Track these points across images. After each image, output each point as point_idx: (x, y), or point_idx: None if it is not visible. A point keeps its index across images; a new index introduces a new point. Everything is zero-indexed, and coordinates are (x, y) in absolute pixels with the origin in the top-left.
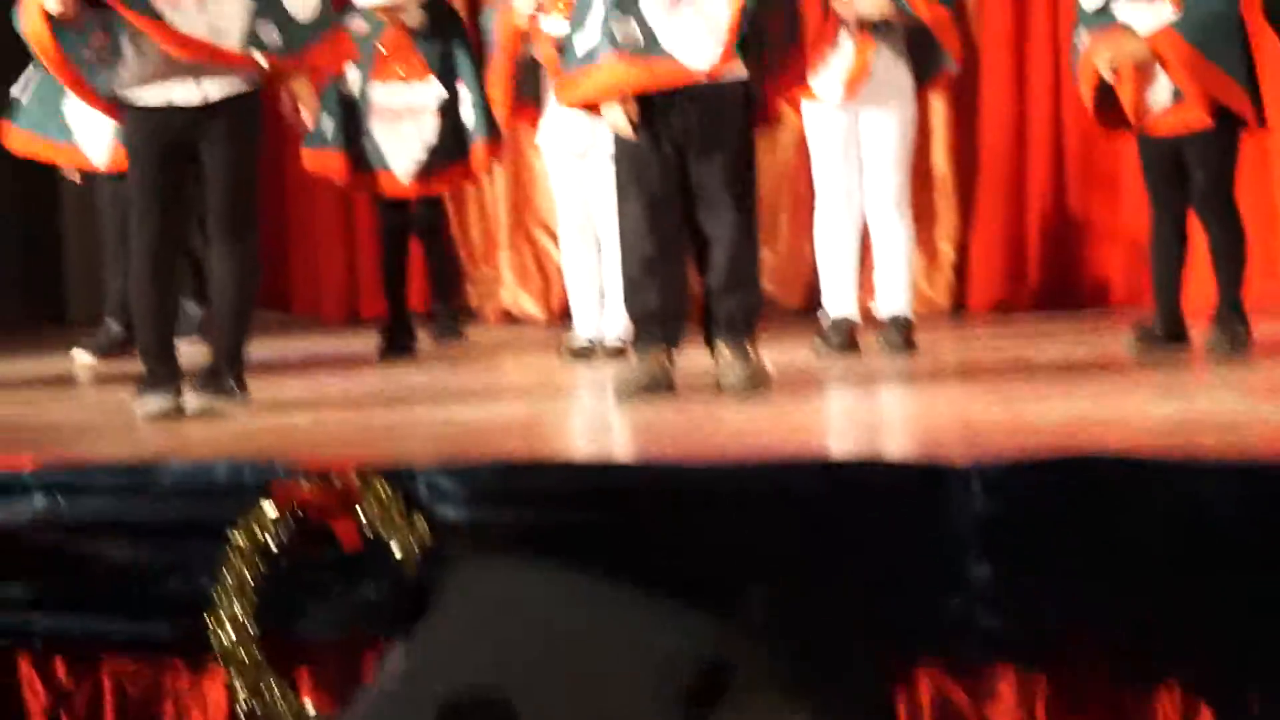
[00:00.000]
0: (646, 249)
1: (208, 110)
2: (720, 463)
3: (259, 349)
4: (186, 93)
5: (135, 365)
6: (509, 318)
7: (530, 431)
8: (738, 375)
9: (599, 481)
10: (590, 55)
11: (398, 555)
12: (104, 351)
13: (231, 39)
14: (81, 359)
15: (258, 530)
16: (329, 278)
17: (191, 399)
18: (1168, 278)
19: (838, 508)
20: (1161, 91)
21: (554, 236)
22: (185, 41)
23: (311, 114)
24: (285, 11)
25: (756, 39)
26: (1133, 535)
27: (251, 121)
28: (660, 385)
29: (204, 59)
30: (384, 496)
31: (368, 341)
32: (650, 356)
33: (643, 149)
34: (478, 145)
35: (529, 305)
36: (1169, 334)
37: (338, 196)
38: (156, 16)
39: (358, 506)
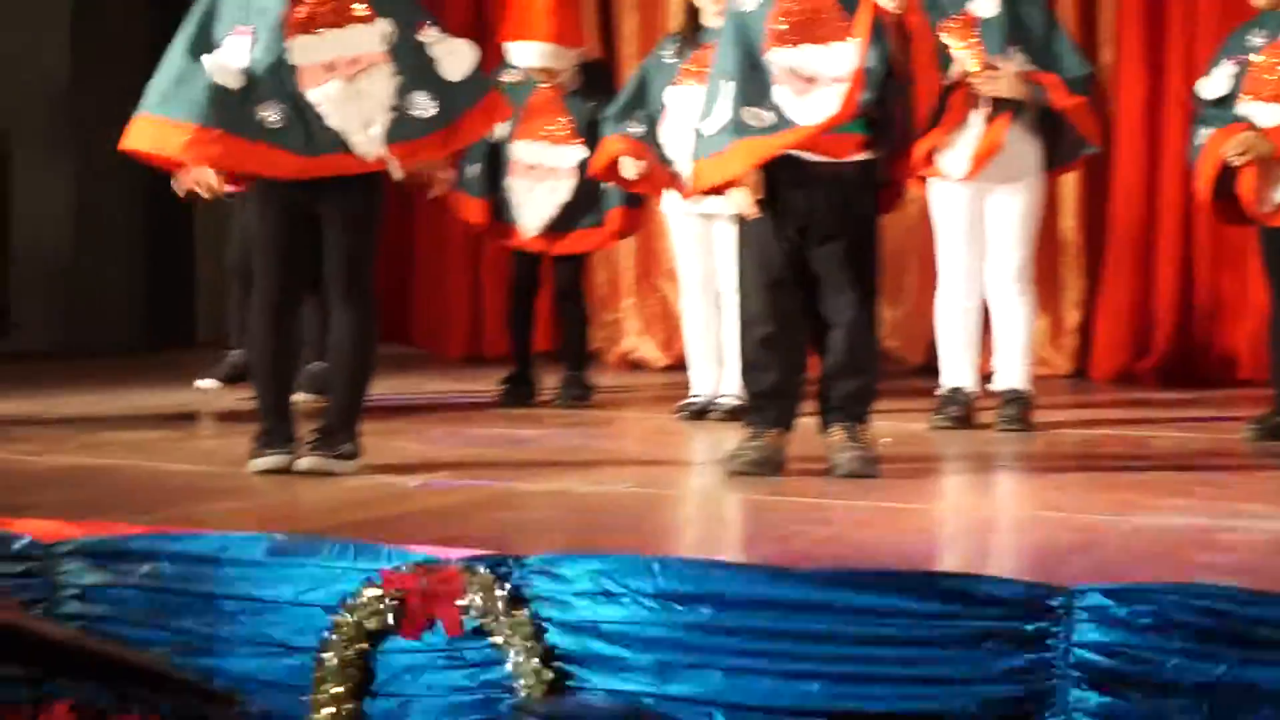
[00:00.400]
0: (765, 330)
1: (328, 178)
2: (822, 570)
3: (381, 386)
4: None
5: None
6: (630, 363)
7: (641, 513)
8: (849, 460)
9: (700, 581)
10: (719, 144)
11: (498, 644)
12: (228, 379)
13: (378, 126)
14: (206, 385)
15: (360, 612)
16: (454, 314)
17: (305, 458)
18: None
19: (939, 623)
20: None
21: (677, 286)
22: (303, 165)
23: (440, 193)
24: (439, 77)
25: (883, 120)
26: (1239, 669)
27: (373, 188)
28: (771, 465)
29: (329, 172)
30: (487, 586)
31: (487, 383)
32: (763, 435)
33: (766, 231)
34: (615, 212)
35: (650, 351)
36: None
37: (466, 233)
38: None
39: (462, 593)
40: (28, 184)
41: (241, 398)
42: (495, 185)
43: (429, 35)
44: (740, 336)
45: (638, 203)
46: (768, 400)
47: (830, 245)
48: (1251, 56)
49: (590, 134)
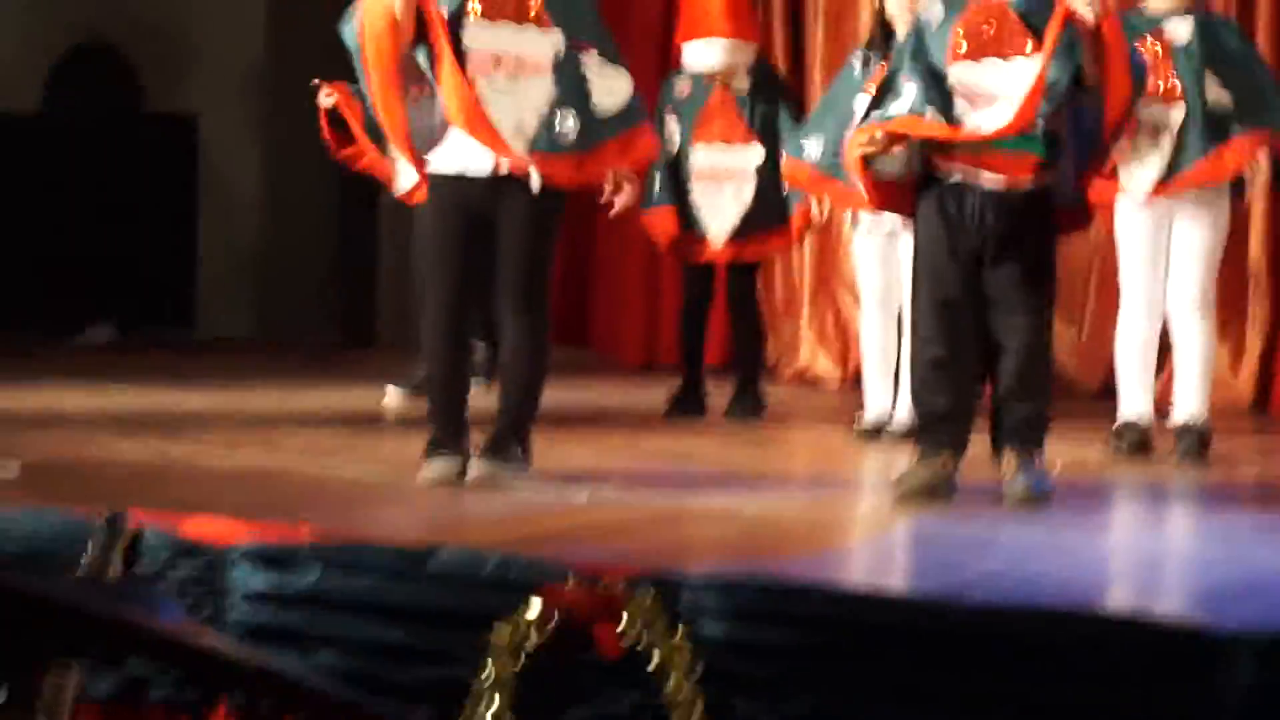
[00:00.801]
0: (937, 351)
1: (503, 181)
2: (985, 605)
3: (553, 390)
4: (480, 163)
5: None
6: (804, 378)
7: (808, 536)
8: (1021, 487)
9: (862, 613)
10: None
11: (655, 665)
12: (416, 389)
13: (527, 131)
14: (392, 397)
15: (520, 629)
16: (630, 320)
17: (474, 466)
18: None
19: (1101, 663)
20: None
21: (856, 300)
22: (478, 128)
23: (623, 210)
24: (589, 102)
25: (1064, 137)
26: None
27: (550, 198)
28: (941, 491)
29: (487, 145)
30: (648, 607)
31: (660, 393)
32: (933, 459)
33: (940, 250)
34: (799, 213)
35: (825, 367)
36: None
37: (645, 239)
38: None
39: (622, 614)
40: (219, 172)
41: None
42: (680, 194)
43: (590, 60)
44: (911, 357)
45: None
46: (938, 423)
47: (1005, 267)
48: None
49: (767, 134)
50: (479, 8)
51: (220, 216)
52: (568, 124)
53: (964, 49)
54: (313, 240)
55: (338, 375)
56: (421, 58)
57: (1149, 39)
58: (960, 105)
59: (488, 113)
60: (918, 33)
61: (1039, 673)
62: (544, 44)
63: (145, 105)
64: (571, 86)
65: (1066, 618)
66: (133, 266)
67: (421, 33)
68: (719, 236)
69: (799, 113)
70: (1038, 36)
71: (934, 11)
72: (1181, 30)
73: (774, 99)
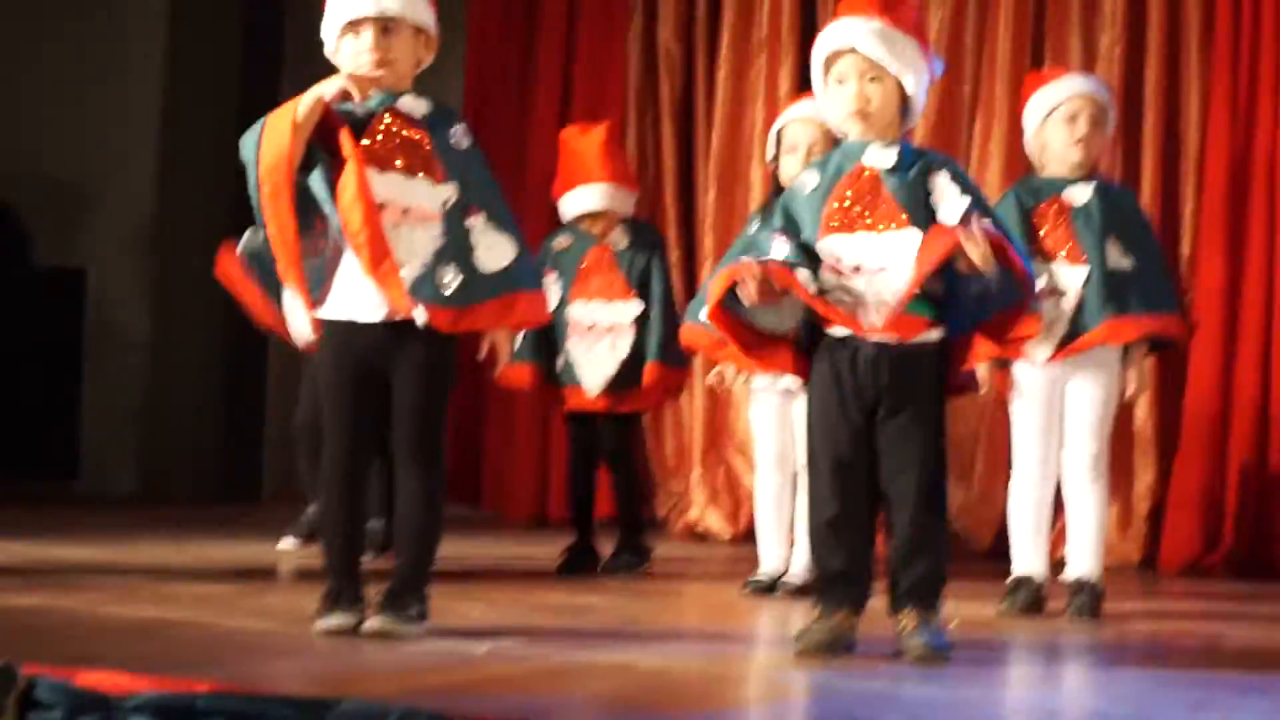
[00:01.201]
0: (833, 511)
1: (395, 331)
2: None
3: (447, 545)
4: (371, 309)
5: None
6: (694, 534)
7: (706, 691)
8: (919, 644)
9: None
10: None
11: None
12: (308, 537)
13: (409, 273)
14: (286, 545)
15: None
16: (520, 476)
17: (371, 620)
18: None
19: None
20: None
21: (747, 459)
22: (377, 251)
23: (502, 364)
24: (471, 260)
25: (952, 301)
26: None
27: (444, 348)
28: (839, 647)
29: (380, 277)
30: None
31: (551, 548)
32: (832, 616)
33: (832, 411)
34: (651, 367)
35: (716, 523)
36: None
37: (534, 396)
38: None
39: None
40: (106, 326)
41: (315, 555)
42: (546, 350)
43: (476, 222)
44: (809, 517)
45: (681, 362)
46: (836, 581)
47: (897, 420)
48: None
49: (644, 289)
50: (371, 157)
51: (106, 370)
52: (449, 278)
53: (836, 221)
54: (199, 394)
55: (225, 528)
56: (317, 183)
57: (1049, 201)
58: (827, 278)
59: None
60: (786, 202)
61: None
62: (434, 196)
63: (34, 259)
64: (456, 242)
65: None
66: (15, 419)
67: (315, 158)
68: (593, 387)
69: (669, 269)
70: (909, 210)
71: (806, 180)
72: (1081, 195)
73: (650, 253)
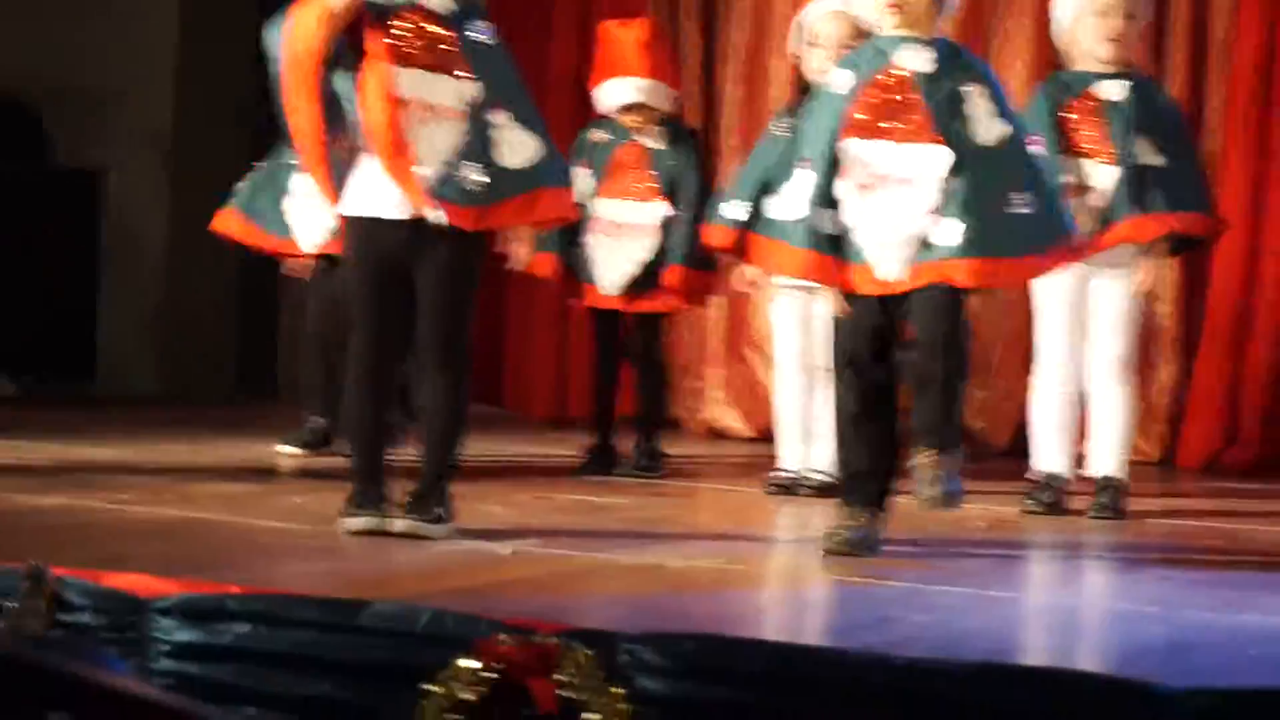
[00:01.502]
0: (852, 407)
1: (419, 230)
2: (921, 660)
3: (470, 448)
4: (395, 206)
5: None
6: (713, 432)
7: (735, 591)
8: (930, 489)
9: (797, 666)
10: (795, 237)
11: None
12: (308, 446)
13: (428, 170)
14: (286, 451)
15: (456, 683)
16: (540, 376)
17: (397, 521)
18: None
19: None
20: None
21: (764, 357)
22: (397, 152)
23: (524, 257)
24: (494, 156)
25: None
26: None
27: (469, 248)
28: (866, 546)
29: (398, 176)
30: (583, 662)
31: (571, 447)
32: (858, 515)
33: (858, 309)
34: (674, 270)
35: (734, 422)
36: None
37: (553, 295)
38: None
39: (558, 668)
40: (124, 229)
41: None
42: (571, 241)
43: (500, 118)
44: (835, 415)
45: (707, 265)
46: (860, 479)
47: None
48: None
49: (674, 191)
50: (396, 54)
51: (123, 272)
52: (471, 176)
53: (861, 126)
54: (215, 296)
55: (244, 428)
56: (342, 80)
57: (1081, 97)
58: (844, 188)
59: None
60: (813, 106)
61: None
62: (458, 94)
63: (51, 160)
64: (479, 140)
65: (990, 672)
66: (33, 320)
67: (343, 60)
68: (611, 286)
69: (703, 172)
70: (939, 122)
71: (836, 80)
72: (1114, 90)
73: (684, 155)
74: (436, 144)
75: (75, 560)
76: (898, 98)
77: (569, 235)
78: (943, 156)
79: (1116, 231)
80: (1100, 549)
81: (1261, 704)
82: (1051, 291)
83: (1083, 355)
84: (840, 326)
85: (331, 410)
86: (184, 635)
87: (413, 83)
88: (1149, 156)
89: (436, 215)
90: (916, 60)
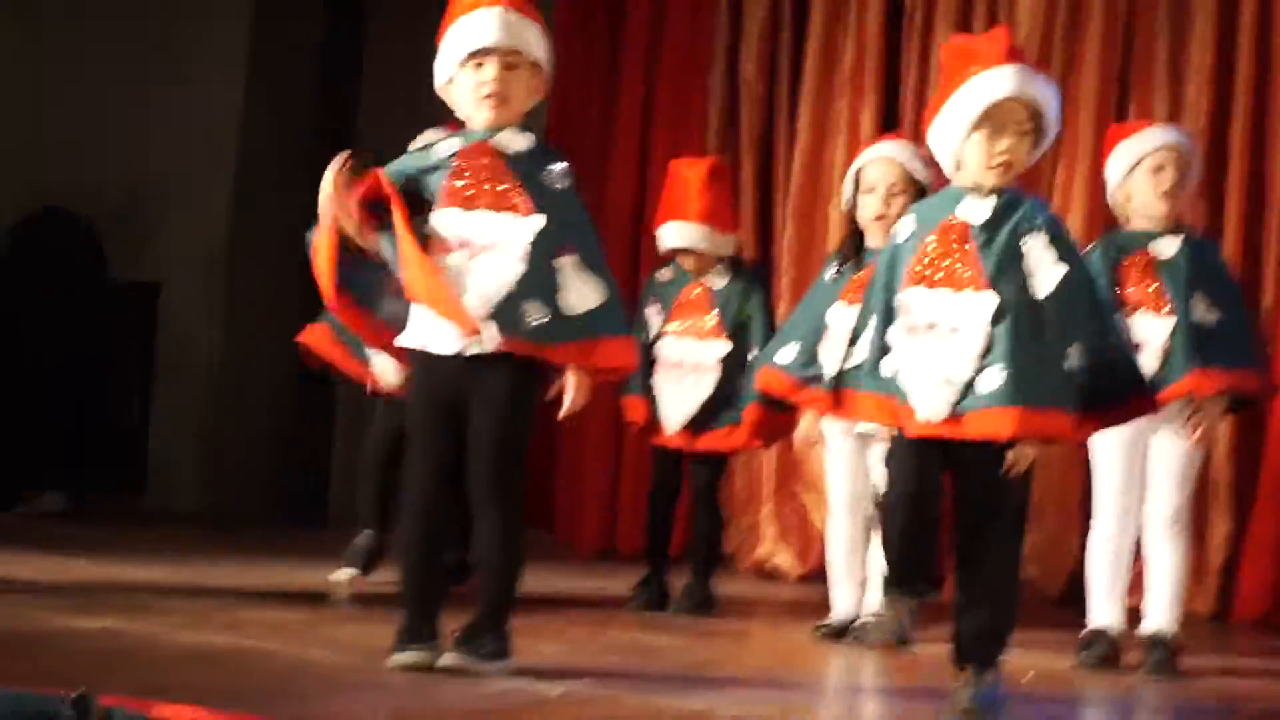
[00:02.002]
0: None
1: (475, 363)
2: None
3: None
4: (445, 339)
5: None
6: (763, 571)
7: None
8: (962, 700)
9: None
10: (869, 384)
11: None
12: (364, 563)
13: (488, 299)
14: (342, 575)
15: None
16: (589, 507)
17: (446, 655)
18: None
19: None
20: None
21: (817, 494)
22: (438, 296)
23: (573, 409)
24: (557, 299)
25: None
26: None
27: (523, 382)
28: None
29: (447, 314)
30: None
31: (620, 581)
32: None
33: (906, 447)
34: (751, 409)
35: (784, 561)
36: None
37: (606, 426)
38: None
39: None
40: (176, 340)
41: (374, 582)
42: (649, 383)
43: (566, 262)
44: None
45: (780, 407)
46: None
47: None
48: None
49: (738, 331)
50: (455, 194)
51: (176, 387)
52: (533, 312)
53: (919, 275)
54: (267, 415)
55: (292, 554)
56: (385, 244)
57: (1135, 255)
58: (894, 334)
59: (449, 283)
60: (888, 251)
61: None
62: (520, 231)
63: (108, 273)
64: (541, 278)
65: None
66: (86, 435)
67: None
68: (672, 423)
69: (771, 309)
70: (992, 271)
71: (902, 227)
72: (1168, 248)
73: (747, 294)
74: (499, 275)
75: (120, 687)
76: (954, 248)
77: (648, 376)
78: (989, 303)
79: (1178, 386)
80: (1150, 707)
81: None
82: (1110, 443)
83: (1138, 510)
84: (890, 466)
85: (383, 529)
86: None
87: (473, 225)
88: (1204, 314)
89: (490, 336)
90: (975, 211)
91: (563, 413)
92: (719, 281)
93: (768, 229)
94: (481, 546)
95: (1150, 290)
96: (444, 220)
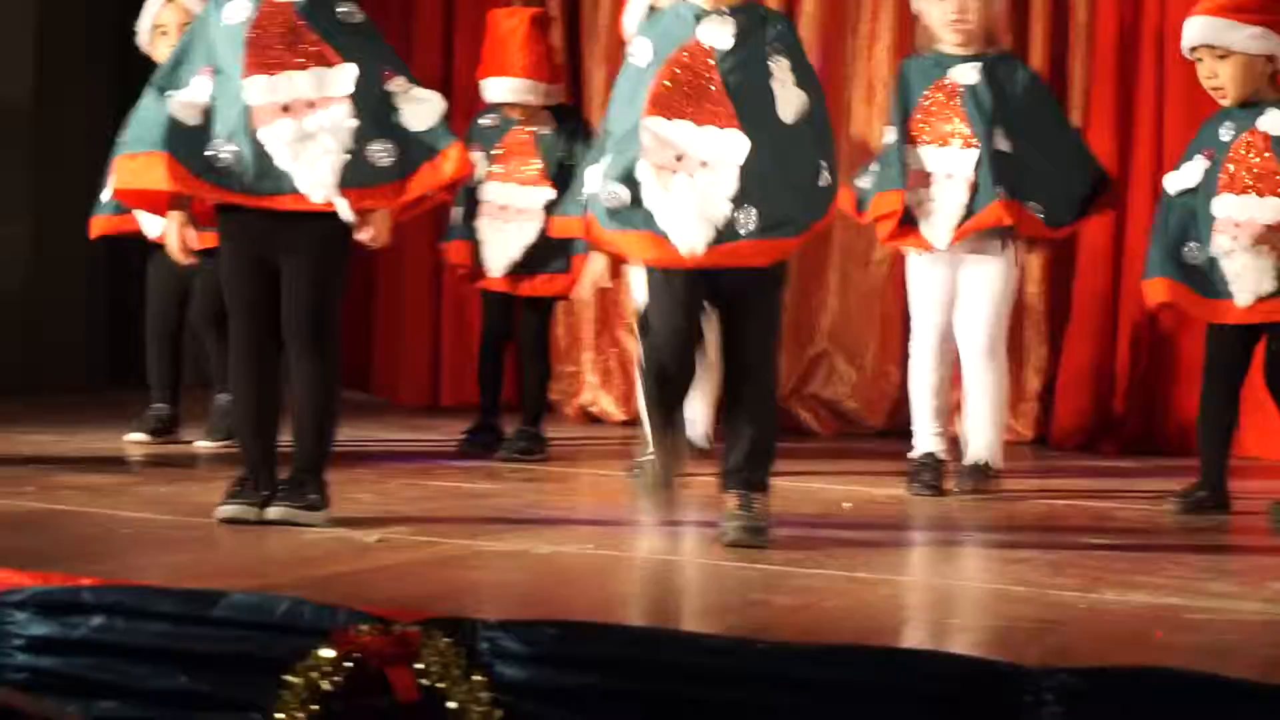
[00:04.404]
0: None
1: (285, 219)
2: (786, 644)
3: (342, 434)
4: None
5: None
6: (588, 415)
7: (599, 577)
8: (733, 529)
9: (658, 651)
10: (607, 219)
11: (452, 709)
12: (156, 432)
13: (323, 170)
14: (135, 438)
15: (314, 673)
16: (412, 361)
17: (270, 509)
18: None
19: (900, 701)
20: None
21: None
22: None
23: (379, 244)
24: (401, 126)
25: None
26: None
27: (333, 235)
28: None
29: (276, 207)
30: (444, 649)
31: (444, 433)
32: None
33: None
34: (580, 259)
35: (608, 405)
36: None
37: (425, 280)
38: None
39: (418, 657)
40: None
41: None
42: (471, 227)
43: (396, 84)
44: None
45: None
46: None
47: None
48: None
49: (561, 177)
50: (256, 63)
51: None
52: (380, 153)
53: (660, 104)
54: (79, 283)
55: (109, 417)
56: None
57: (937, 85)
58: (642, 168)
59: (279, 163)
60: (625, 74)
61: (838, 713)
62: (334, 79)
63: None
64: (378, 115)
65: (864, 655)
66: None
67: None
68: (495, 268)
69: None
70: (739, 105)
71: (638, 52)
72: (969, 74)
73: (572, 140)
74: (327, 134)
75: None
76: (697, 77)
77: (472, 220)
78: (740, 142)
79: (987, 214)
80: (970, 529)
81: (1124, 684)
82: (924, 274)
83: (954, 334)
84: (654, 300)
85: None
86: (39, 629)
87: (284, 86)
88: (1002, 144)
89: (345, 212)
90: (717, 36)
91: (371, 245)
92: (545, 127)
93: (577, 73)
94: (299, 395)
95: (955, 122)
96: (257, 87)
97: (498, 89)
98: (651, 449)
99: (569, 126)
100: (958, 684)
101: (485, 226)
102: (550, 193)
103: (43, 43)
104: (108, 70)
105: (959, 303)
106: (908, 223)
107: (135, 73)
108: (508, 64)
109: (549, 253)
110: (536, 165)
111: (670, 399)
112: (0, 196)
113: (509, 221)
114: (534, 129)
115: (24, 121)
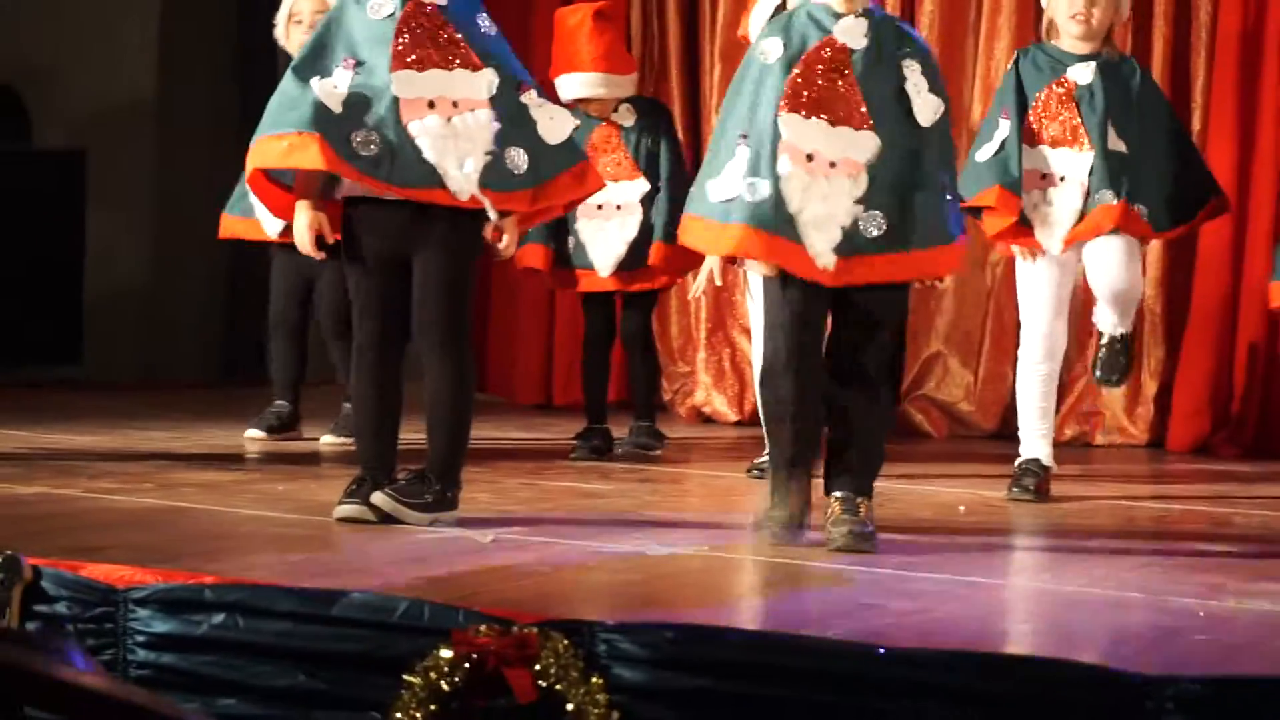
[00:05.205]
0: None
1: (421, 214)
2: (903, 649)
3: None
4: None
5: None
6: (701, 416)
7: (713, 580)
8: (839, 535)
9: (778, 657)
10: (725, 213)
11: (570, 711)
12: (275, 430)
13: (469, 168)
14: (253, 435)
15: (433, 673)
16: (525, 362)
17: (379, 494)
18: None
19: (1019, 708)
20: None
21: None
22: (396, 192)
23: (508, 254)
24: (536, 136)
25: None
26: None
27: (467, 234)
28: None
29: (421, 199)
30: (562, 651)
31: (557, 432)
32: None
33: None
34: (657, 247)
35: (722, 405)
36: None
37: (539, 280)
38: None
39: (536, 658)
40: (104, 207)
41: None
42: (559, 232)
43: (531, 98)
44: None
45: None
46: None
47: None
48: None
49: (650, 167)
50: (403, 59)
51: (108, 255)
52: (516, 159)
53: (797, 97)
54: (201, 281)
55: (229, 415)
56: None
57: (1054, 84)
58: (783, 164)
59: (427, 156)
60: (743, 71)
61: (957, 718)
62: (477, 82)
63: (33, 142)
64: (515, 122)
65: (982, 661)
66: (15, 302)
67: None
68: (604, 267)
69: (677, 145)
70: (870, 104)
71: (766, 48)
72: (1086, 74)
73: (656, 131)
74: (475, 135)
75: (52, 550)
76: (832, 75)
77: (554, 225)
78: (872, 143)
79: (1103, 215)
80: (1086, 535)
81: (1246, 693)
82: (1037, 275)
83: (1064, 338)
84: (782, 309)
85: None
86: (160, 626)
87: (431, 83)
88: (1116, 144)
89: (491, 211)
90: (851, 33)
91: (503, 254)
92: (627, 119)
93: (694, 71)
94: (430, 396)
95: (1069, 121)
96: (406, 80)
97: (570, 85)
98: (771, 489)
99: (651, 119)
100: (1077, 691)
101: (585, 228)
102: (644, 185)
103: (165, 43)
104: (229, 70)
105: (1091, 271)
106: (1019, 223)
107: (255, 72)
108: (576, 59)
109: (648, 247)
110: (625, 158)
111: (799, 438)
112: (122, 193)
113: (610, 219)
114: (616, 122)
115: (147, 120)
